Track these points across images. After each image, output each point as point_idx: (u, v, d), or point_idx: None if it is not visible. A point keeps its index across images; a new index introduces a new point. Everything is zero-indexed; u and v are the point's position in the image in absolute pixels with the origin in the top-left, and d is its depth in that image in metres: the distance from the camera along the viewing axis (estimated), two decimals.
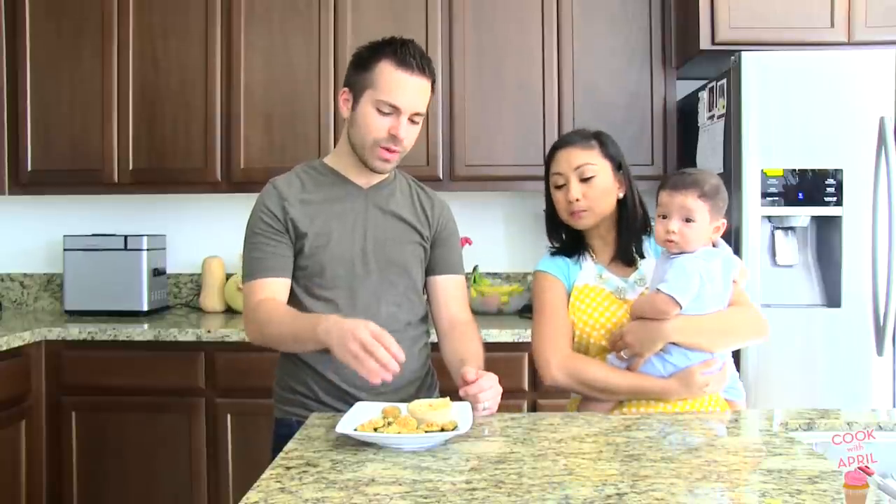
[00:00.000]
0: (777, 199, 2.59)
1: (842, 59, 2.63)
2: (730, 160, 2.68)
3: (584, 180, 1.79)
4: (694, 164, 2.99)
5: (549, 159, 1.87)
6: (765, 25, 2.87)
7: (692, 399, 1.72)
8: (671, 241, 1.70)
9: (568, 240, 1.89)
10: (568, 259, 1.87)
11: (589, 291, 1.82)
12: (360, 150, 1.79)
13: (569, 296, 1.83)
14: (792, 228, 2.65)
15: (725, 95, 2.72)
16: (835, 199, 2.58)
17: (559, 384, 1.78)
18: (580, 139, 1.84)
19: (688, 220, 1.68)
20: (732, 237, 2.63)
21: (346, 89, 1.80)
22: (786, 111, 2.60)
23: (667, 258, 1.73)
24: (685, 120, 3.14)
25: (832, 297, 2.63)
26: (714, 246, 1.74)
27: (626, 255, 1.84)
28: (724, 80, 2.73)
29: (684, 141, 3.14)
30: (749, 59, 2.61)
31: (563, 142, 1.86)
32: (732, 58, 2.66)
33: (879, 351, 2.59)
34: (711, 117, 2.85)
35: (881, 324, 2.58)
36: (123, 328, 2.90)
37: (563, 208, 1.83)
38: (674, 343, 1.70)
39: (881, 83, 2.59)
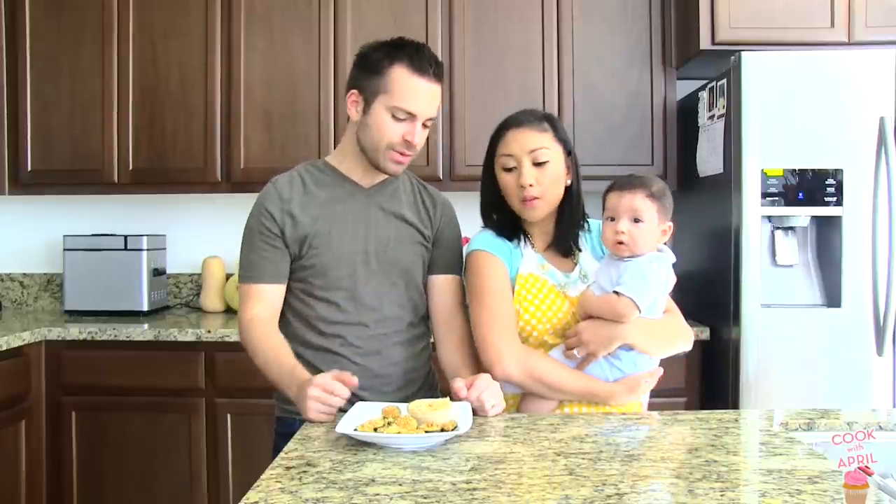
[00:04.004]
0: (777, 199, 2.59)
1: (842, 59, 2.63)
2: (730, 160, 2.68)
3: (538, 165, 1.71)
4: (694, 164, 3.00)
5: (496, 138, 1.76)
6: (765, 25, 2.87)
7: (626, 404, 1.72)
8: (621, 243, 1.67)
9: (506, 222, 1.79)
10: (509, 243, 1.78)
11: (535, 281, 1.75)
12: (371, 152, 1.77)
13: (511, 282, 1.75)
14: (792, 228, 2.65)
15: (725, 95, 2.72)
16: (835, 199, 2.58)
17: (511, 379, 1.68)
18: (534, 120, 1.74)
19: (636, 221, 1.66)
20: (732, 237, 2.64)
21: (354, 91, 1.77)
22: (786, 111, 2.60)
23: (614, 261, 1.70)
24: (685, 120, 3.14)
25: (832, 297, 2.63)
26: (660, 252, 1.73)
27: (564, 245, 1.78)
28: (724, 80, 2.73)
29: (684, 141, 3.14)
30: (749, 59, 2.61)
31: (515, 121, 1.75)
32: (732, 58, 2.66)
33: (879, 351, 2.59)
34: (711, 117, 2.85)
35: (881, 324, 2.58)
36: (123, 328, 2.89)
37: (513, 194, 1.73)
38: (628, 345, 1.68)
39: (881, 83, 2.59)
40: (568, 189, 1.78)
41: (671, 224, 1.71)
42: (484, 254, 1.77)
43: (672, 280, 1.74)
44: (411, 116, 1.73)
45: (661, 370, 1.75)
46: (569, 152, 1.77)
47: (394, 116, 1.72)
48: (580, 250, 1.80)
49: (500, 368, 1.67)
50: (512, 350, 1.69)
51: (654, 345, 1.71)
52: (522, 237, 1.79)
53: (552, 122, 1.77)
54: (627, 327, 1.66)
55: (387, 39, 1.78)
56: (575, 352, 1.68)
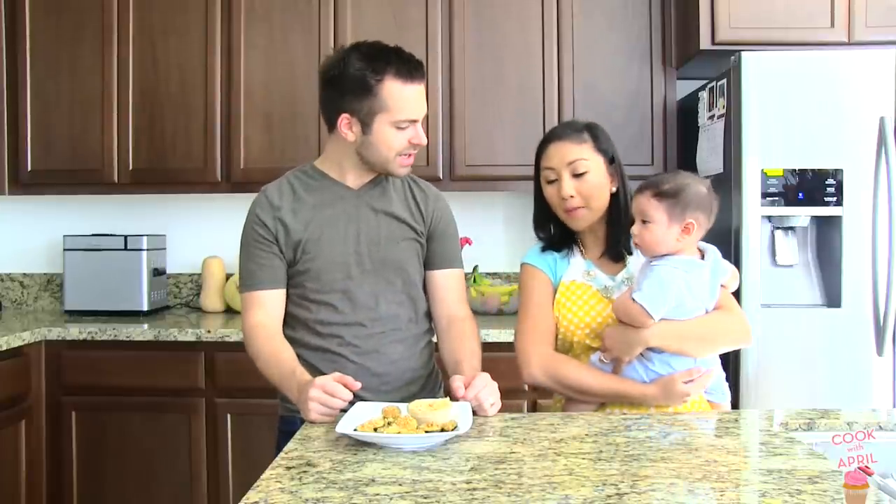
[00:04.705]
0: (777, 199, 2.59)
1: (842, 59, 2.63)
2: (730, 160, 2.68)
3: (577, 176, 1.75)
4: (694, 164, 2.99)
5: (539, 152, 1.82)
6: (765, 25, 2.87)
7: (673, 406, 1.70)
8: (637, 246, 1.70)
9: (558, 233, 1.86)
10: (556, 253, 1.84)
11: (576, 289, 1.79)
12: (382, 165, 1.79)
13: (555, 291, 1.81)
14: (792, 228, 2.65)
15: (725, 95, 2.72)
16: (835, 199, 2.58)
17: (537, 382, 1.77)
18: (572, 132, 1.79)
19: (645, 222, 1.67)
20: (732, 237, 2.64)
21: (346, 115, 1.75)
22: (786, 111, 2.60)
23: (648, 264, 1.71)
24: (685, 120, 3.14)
25: (832, 297, 2.62)
26: (702, 254, 1.71)
27: (615, 250, 1.82)
28: (724, 80, 2.73)
29: (684, 141, 3.14)
30: (749, 59, 2.61)
31: (555, 135, 1.81)
32: (732, 58, 2.66)
33: (879, 351, 2.59)
34: (711, 117, 2.85)
35: (881, 324, 2.58)
36: (123, 328, 2.90)
37: (556, 204, 1.79)
38: (655, 348, 1.68)
39: (881, 83, 2.59)
40: (615, 196, 1.81)
41: (693, 221, 1.66)
42: (529, 267, 1.86)
43: (724, 276, 1.73)
44: (413, 122, 1.76)
45: (703, 369, 1.71)
46: (611, 160, 1.80)
47: (397, 128, 1.75)
48: (631, 254, 1.82)
49: (526, 372, 1.77)
50: (539, 355, 1.76)
51: (688, 345, 1.69)
52: (572, 246, 1.85)
53: (592, 132, 1.80)
54: (648, 331, 1.66)
55: (349, 48, 1.78)
56: (602, 356, 1.71)
